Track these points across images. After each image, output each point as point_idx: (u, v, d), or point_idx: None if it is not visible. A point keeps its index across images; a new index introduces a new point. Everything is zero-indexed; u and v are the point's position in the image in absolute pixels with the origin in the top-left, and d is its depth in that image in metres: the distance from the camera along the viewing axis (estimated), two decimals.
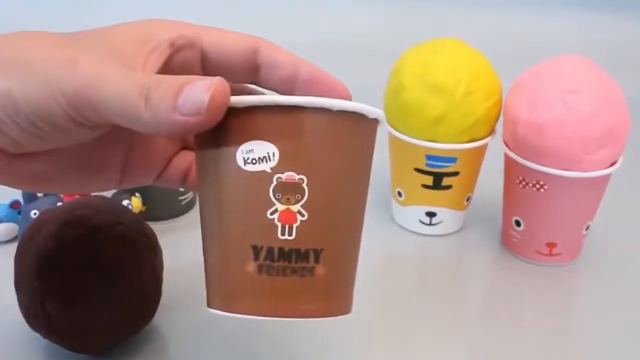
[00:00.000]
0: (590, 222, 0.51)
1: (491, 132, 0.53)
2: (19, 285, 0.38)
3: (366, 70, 0.88)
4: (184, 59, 0.30)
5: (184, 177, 0.35)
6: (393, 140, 0.54)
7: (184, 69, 0.30)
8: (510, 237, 0.53)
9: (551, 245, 0.51)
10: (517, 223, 0.52)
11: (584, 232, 0.51)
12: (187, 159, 0.34)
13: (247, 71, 0.31)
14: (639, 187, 0.66)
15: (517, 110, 0.48)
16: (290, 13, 1.08)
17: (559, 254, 0.52)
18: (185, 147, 0.35)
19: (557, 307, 0.48)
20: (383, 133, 0.55)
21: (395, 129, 0.53)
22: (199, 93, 0.25)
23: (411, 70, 0.51)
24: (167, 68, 0.29)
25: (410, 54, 0.52)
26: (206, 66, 0.31)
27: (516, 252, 0.53)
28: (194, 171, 0.34)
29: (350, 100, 0.30)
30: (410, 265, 0.52)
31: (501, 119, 0.52)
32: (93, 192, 0.34)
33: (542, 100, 0.47)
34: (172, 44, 0.29)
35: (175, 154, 0.34)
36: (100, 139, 0.30)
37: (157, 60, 0.29)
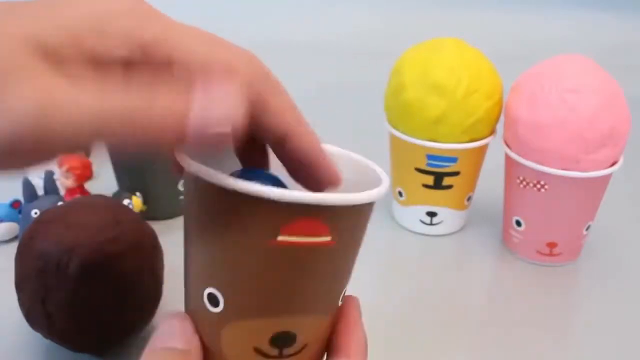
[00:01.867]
0: (590, 222, 0.51)
1: (492, 132, 0.53)
2: (20, 284, 0.38)
3: (366, 70, 0.88)
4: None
5: None
6: (394, 140, 0.54)
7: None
8: (511, 237, 0.53)
9: (552, 245, 0.51)
10: (518, 223, 0.52)
11: (584, 232, 0.51)
12: None
13: None
14: (639, 187, 0.66)
15: (518, 110, 0.48)
16: (290, 13, 1.08)
17: (560, 253, 0.52)
18: None
19: (557, 306, 0.48)
20: (384, 133, 0.55)
21: (396, 129, 0.53)
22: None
23: (412, 70, 0.51)
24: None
25: (411, 53, 0.52)
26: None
27: (517, 252, 0.53)
28: None
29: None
30: (411, 265, 0.52)
31: (502, 119, 0.52)
32: None
33: (542, 100, 0.47)
34: (126, 57, 0.22)
35: None
36: None
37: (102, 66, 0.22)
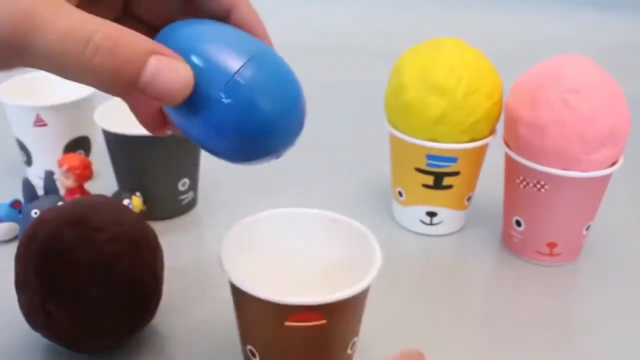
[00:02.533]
0: (590, 222, 0.51)
1: (492, 131, 0.53)
2: (19, 285, 0.38)
3: (366, 70, 0.88)
4: None
5: None
6: (394, 140, 0.54)
7: None
8: (511, 237, 0.53)
9: (552, 245, 0.51)
10: (518, 223, 0.52)
11: (584, 232, 0.51)
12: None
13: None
14: (639, 187, 0.66)
15: (518, 110, 0.48)
16: (290, 13, 1.08)
17: (560, 254, 0.52)
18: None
19: (557, 306, 0.48)
20: (384, 133, 0.55)
21: (396, 129, 0.53)
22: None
23: (412, 70, 0.51)
24: None
25: (411, 53, 0.52)
26: None
27: (517, 252, 0.53)
28: None
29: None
30: (411, 265, 0.52)
31: (502, 118, 0.52)
32: None
33: (542, 100, 0.47)
34: None
35: None
36: None
37: None
